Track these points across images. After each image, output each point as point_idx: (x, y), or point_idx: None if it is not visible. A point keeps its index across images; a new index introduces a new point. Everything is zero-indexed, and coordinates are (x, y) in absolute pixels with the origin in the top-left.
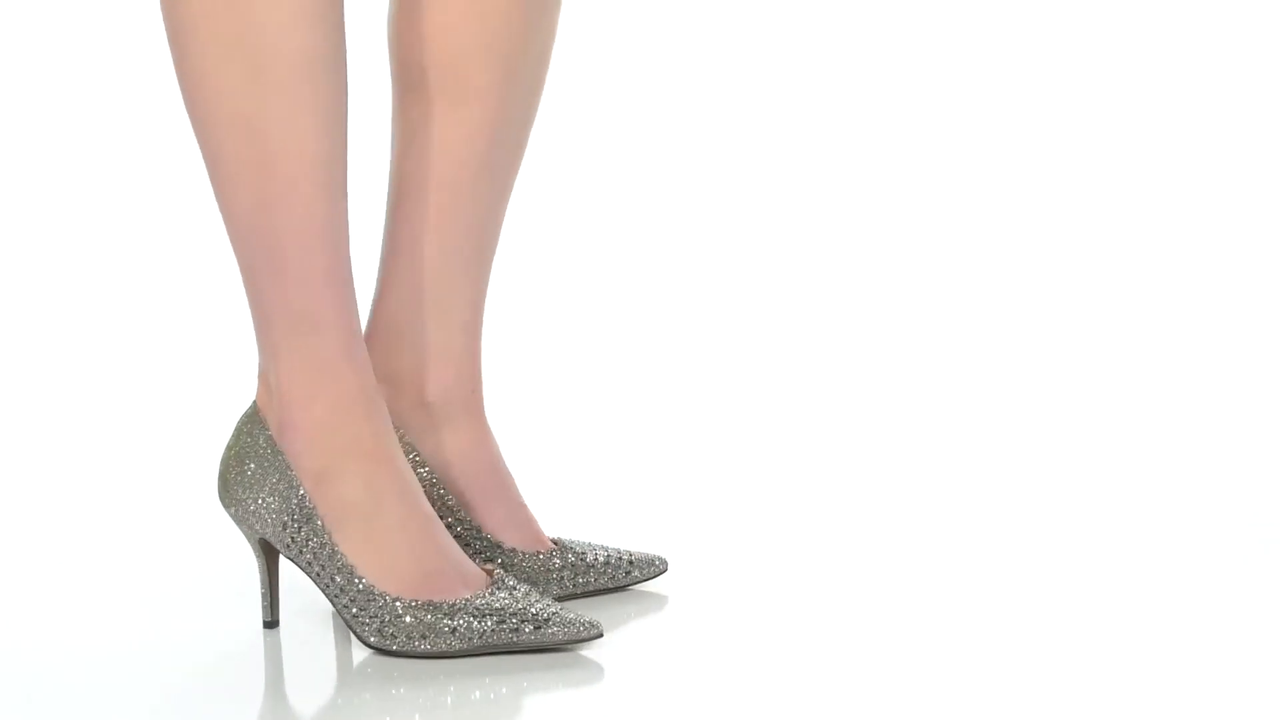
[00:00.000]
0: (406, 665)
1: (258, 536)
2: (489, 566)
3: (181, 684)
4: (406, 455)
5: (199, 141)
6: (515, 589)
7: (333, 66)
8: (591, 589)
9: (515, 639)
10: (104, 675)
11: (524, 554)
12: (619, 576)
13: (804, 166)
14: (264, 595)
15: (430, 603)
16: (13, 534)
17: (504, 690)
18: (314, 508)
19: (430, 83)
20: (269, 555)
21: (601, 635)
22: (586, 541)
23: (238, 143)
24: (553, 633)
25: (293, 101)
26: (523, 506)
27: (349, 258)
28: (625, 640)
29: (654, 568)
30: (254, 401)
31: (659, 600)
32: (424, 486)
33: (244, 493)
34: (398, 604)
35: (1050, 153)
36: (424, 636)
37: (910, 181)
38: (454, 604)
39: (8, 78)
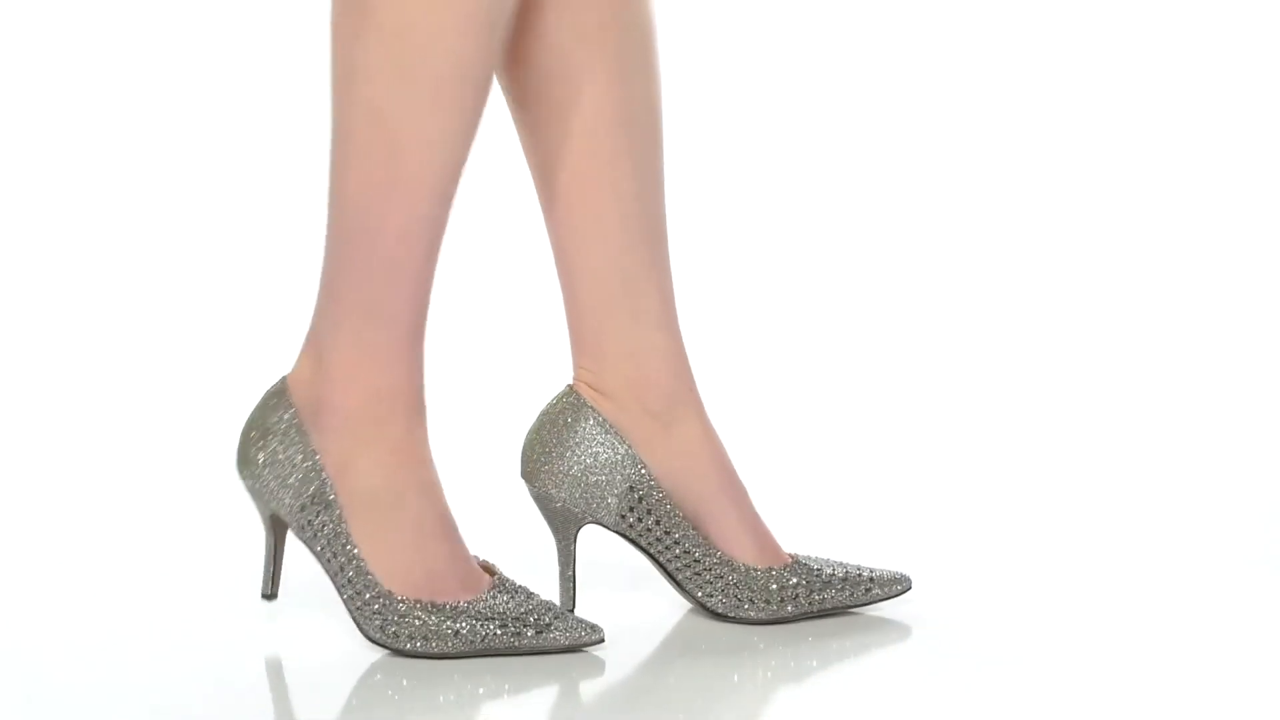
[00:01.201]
0: (407, 662)
1: (270, 511)
2: (489, 566)
3: (182, 681)
4: (636, 471)
5: (332, 114)
6: (516, 592)
7: (475, 80)
8: (828, 607)
9: (517, 643)
10: (105, 674)
11: (758, 570)
12: (858, 595)
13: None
14: (266, 568)
15: (434, 604)
16: (12, 532)
17: (506, 687)
18: (334, 495)
19: (535, 85)
20: (278, 531)
21: (603, 640)
22: (823, 557)
23: (366, 127)
24: (554, 637)
25: (429, 103)
26: (757, 517)
27: (437, 260)
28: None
29: (896, 586)
30: (284, 377)
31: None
32: (652, 506)
33: (265, 468)
34: (401, 604)
35: (1051, 154)
36: (425, 638)
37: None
38: (456, 606)
39: (8, 78)
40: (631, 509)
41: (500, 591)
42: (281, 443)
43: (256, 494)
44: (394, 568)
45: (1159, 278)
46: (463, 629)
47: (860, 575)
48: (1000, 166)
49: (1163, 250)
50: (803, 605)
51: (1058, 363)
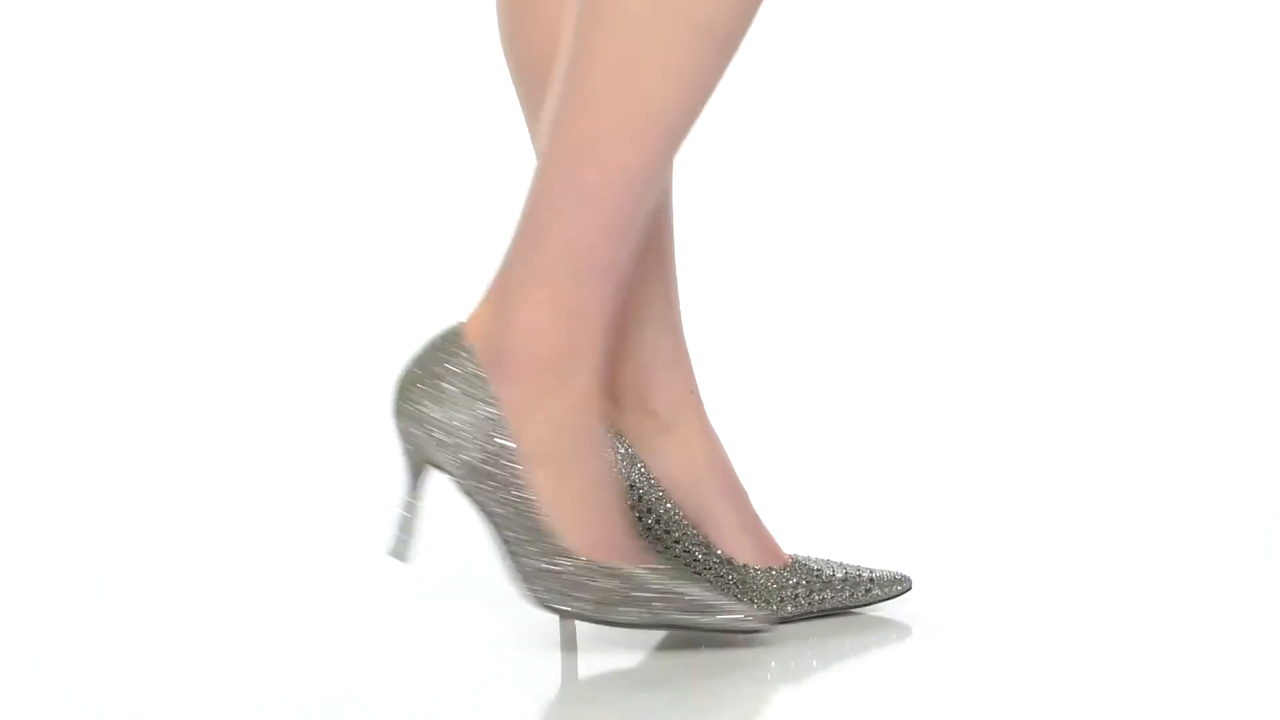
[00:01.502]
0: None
1: (428, 460)
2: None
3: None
4: (636, 471)
5: (573, 53)
6: (676, 568)
7: (727, 44)
8: (828, 607)
9: (701, 619)
10: (106, 676)
11: (758, 570)
12: (858, 595)
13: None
14: (403, 527)
15: (609, 568)
16: (16, 532)
17: (504, 677)
18: (517, 446)
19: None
20: (421, 486)
21: (761, 630)
22: (824, 557)
23: (609, 73)
24: (726, 617)
25: (677, 61)
26: (757, 519)
27: (646, 220)
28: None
29: (896, 586)
30: (459, 323)
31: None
32: (652, 504)
33: (434, 412)
34: (578, 563)
35: (1050, 154)
36: (600, 602)
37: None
38: (632, 575)
39: (9, 78)
40: (632, 508)
41: (669, 564)
42: (456, 390)
43: (418, 441)
44: (574, 523)
45: (1159, 277)
46: (654, 597)
47: (860, 575)
48: (999, 166)
49: (1162, 250)
50: (802, 605)
51: (1057, 362)
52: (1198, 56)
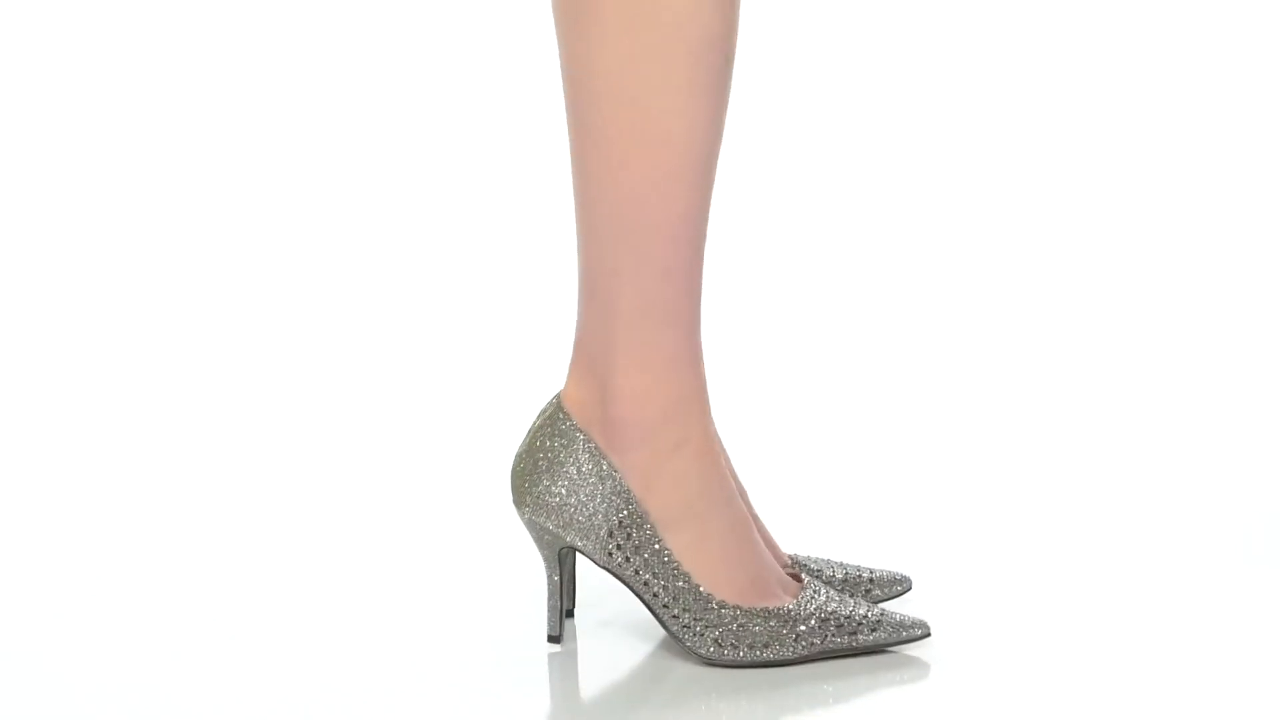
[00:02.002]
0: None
1: (561, 545)
2: (790, 569)
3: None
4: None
5: (578, 123)
6: (825, 590)
7: (727, 51)
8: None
9: (854, 642)
10: (112, 677)
11: (739, 610)
12: (857, 595)
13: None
14: (552, 609)
15: (768, 609)
16: (32, 534)
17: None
18: (646, 514)
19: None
20: (564, 565)
21: (930, 635)
22: (824, 557)
23: (623, 124)
24: (885, 635)
25: (686, 85)
26: (756, 518)
27: (704, 249)
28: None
29: (896, 586)
30: (558, 401)
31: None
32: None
33: (559, 496)
34: (738, 611)
35: (1050, 155)
36: (767, 645)
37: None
38: (791, 610)
39: (10, 78)
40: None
41: (816, 593)
42: (577, 472)
43: (550, 528)
44: (721, 578)
45: (1159, 278)
46: (803, 631)
47: (860, 576)
48: (998, 167)
49: (1162, 251)
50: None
51: (1058, 364)
52: (1197, 57)
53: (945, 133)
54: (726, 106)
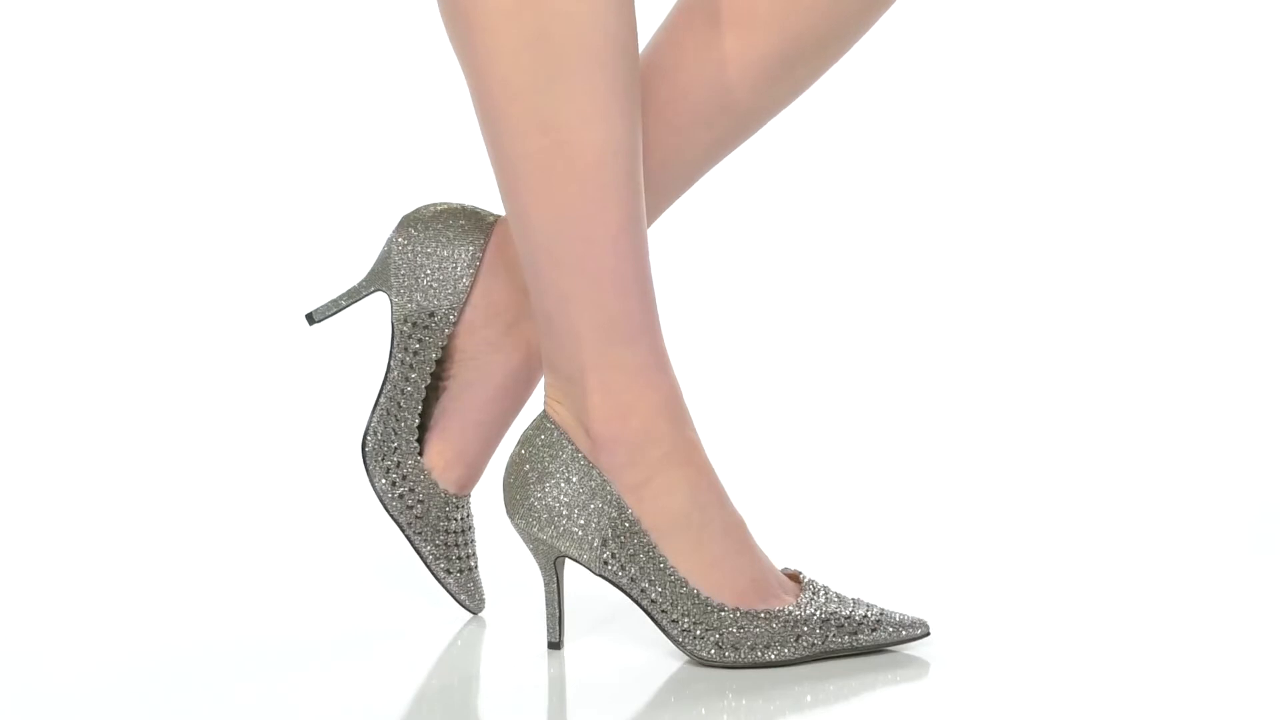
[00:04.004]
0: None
1: (560, 554)
2: (790, 570)
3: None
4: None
5: (493, 147)
6: (825, 590)
7: (630, 53)
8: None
9: (855, 642)
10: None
11: (736, 612)
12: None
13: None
14: (551, 615)
15: (769, 611)
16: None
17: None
18: (638, 521)
19: (717, 6)
20: (558, 573)
21: (930, 634)
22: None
23: (537, 144)
24: (885, 635)
25: (594, 94)
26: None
27: (649, 254)
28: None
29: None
30: (544, 414)
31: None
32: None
33: (551, 511)
34: (738, 614)
35: (1049, 155)
36: (768, 646)
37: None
38: (792, 612)
39: (9, 78)
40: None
41: (816, 593)
42: (568, 482)
43: (544, 539)
44: (721, 581)
45: (1160, 280)
46: (804, 632)
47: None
48: (997, 169)
49: (1162, 252)
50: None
51: (1058, 364)
52: (1197, 57)
53: (935, 133)
54: (639, 104)
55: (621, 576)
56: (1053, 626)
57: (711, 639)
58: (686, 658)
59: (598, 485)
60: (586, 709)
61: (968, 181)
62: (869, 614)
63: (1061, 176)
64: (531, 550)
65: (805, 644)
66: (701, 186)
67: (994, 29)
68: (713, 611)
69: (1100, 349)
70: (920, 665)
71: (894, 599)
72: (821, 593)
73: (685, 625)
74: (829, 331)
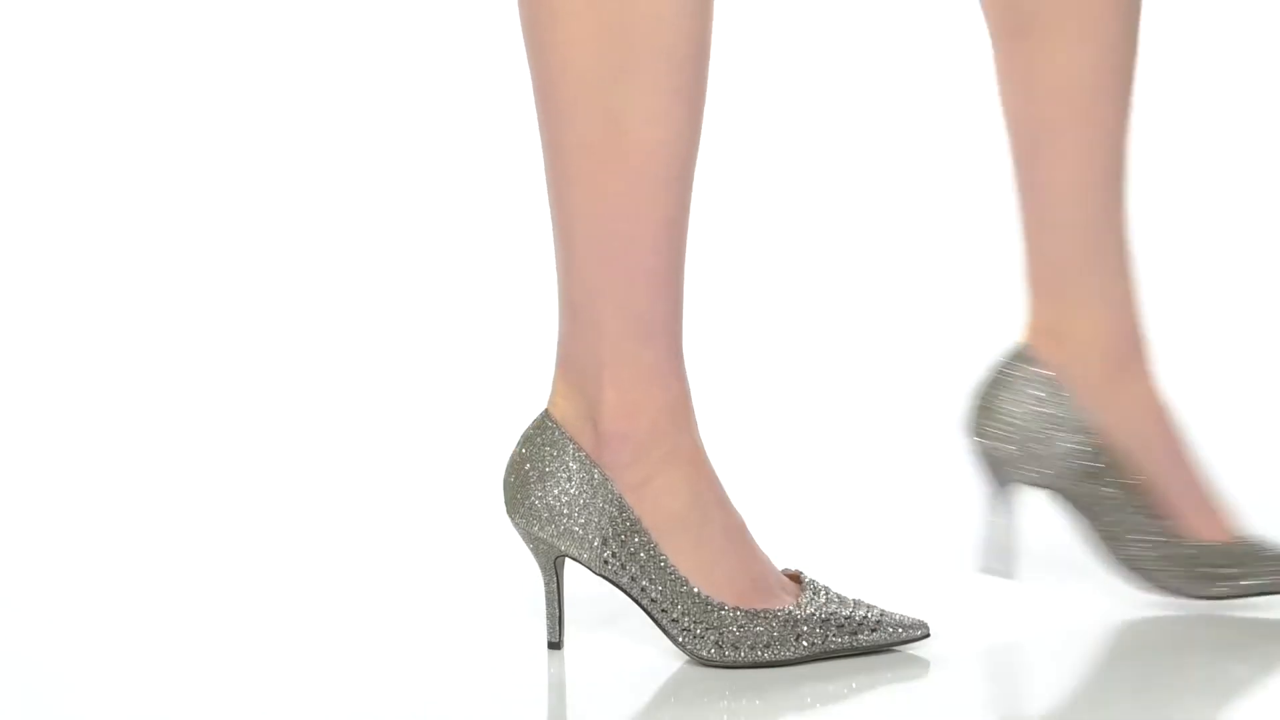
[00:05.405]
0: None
1: (555, 554)
2: (790, 570)
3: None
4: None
5: (549, 133)
6: (825, 590)
7: (703, 55)
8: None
9: (855, 643)
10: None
11: (739, 612)
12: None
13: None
14: (551, 615)
15: (769, 611)
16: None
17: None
18: (639, 520)
19: (1042, 22)
20: (558, 573)
21: (929, 635)
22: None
23: (595, 134)
24: (886, 635)
25: (660, 92)
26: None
27: (685, 256)
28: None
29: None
30: (545, 413)
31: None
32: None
33: (551, 510)
34: (738, 613)
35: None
36: (768, 646)
37: None
38: (793, 612)
39: (10, 78)
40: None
41: (816, 593)
42: (569, 482)
43: (544, 537)
44: (720, 581)
45: (1161, 281)
46: (805, 632)
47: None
48: (997, 169)
49: (1163, 253)
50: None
51: None
52: (1197, 57)
53: (935, 136)
54: (703, 111)
55: (622, 575)
56: (1053, 627)
57: (711, 638)
58: (686, 658)
59: (599, 484)
60: (587, 709)
61: (968, 182)
62: (869, 615)
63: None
64: (531, 549)
65: (805, 644)
66: (702, 187)
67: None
68: (713, 611)
69: None
70: (920, 665)
71: (894, 599)
72: (822, 593)
73: (685, 624)
74: (829, 332)
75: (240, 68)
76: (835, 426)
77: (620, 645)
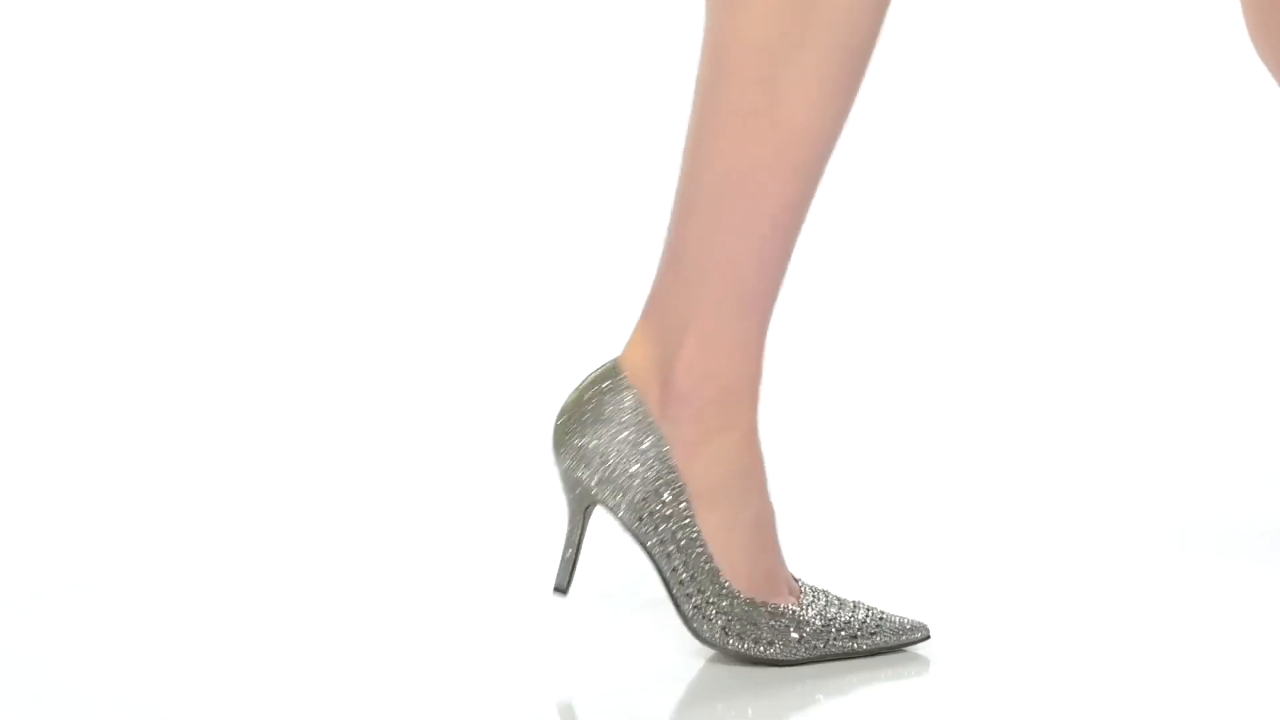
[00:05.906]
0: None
1: (591, 499)
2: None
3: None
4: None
5: (707, 94)
6: (825, 594)
7: (869, 52)
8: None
9: (855, 646)
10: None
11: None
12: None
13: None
14: (565, 560)
15: (774, 607)
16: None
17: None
18: (684, 487)
19: None
20: (585, 521)
21: (929, 637)
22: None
23: (752, 102)
24: (885, 639)
25: (823, 75)
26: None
27: (796, 243)
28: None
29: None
30: (616, 362)
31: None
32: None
33: (601, 455)
34: (749, 602)
35: (1050, 158)
36: (770, 643)
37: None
38: (796, 613)
39: (9, 78)
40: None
41: (817, 596)
42: (623, 429)
43: (583, 482)
44: (740, 565)
45: (1157, 279)
46: (806, 634)
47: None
48: (998, 169)
49: (1164, 254)
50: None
51: (1057, 364)
52: (1197, 56)
53: (937, 133)
54: (850, 111)
55: (652, 536)
56: (1053, 627)
57: (720, 622)
58: (688, 657)
59: (654, 442)
60: (587, 709)
61: (968, 182)
62: (869, 617)
63: (1064, 177)
64: (566, 490)
65: (807, 646)
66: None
67: (994, 29)
68: (726, 595)
69: (1101, 350)
70: (920, 665)
71: (894, 601)
72: (821, 597)
73: (698, 602)
74: (829, 332)
75: (240, 68)
76: (835, 426)
77: (621, 645)
